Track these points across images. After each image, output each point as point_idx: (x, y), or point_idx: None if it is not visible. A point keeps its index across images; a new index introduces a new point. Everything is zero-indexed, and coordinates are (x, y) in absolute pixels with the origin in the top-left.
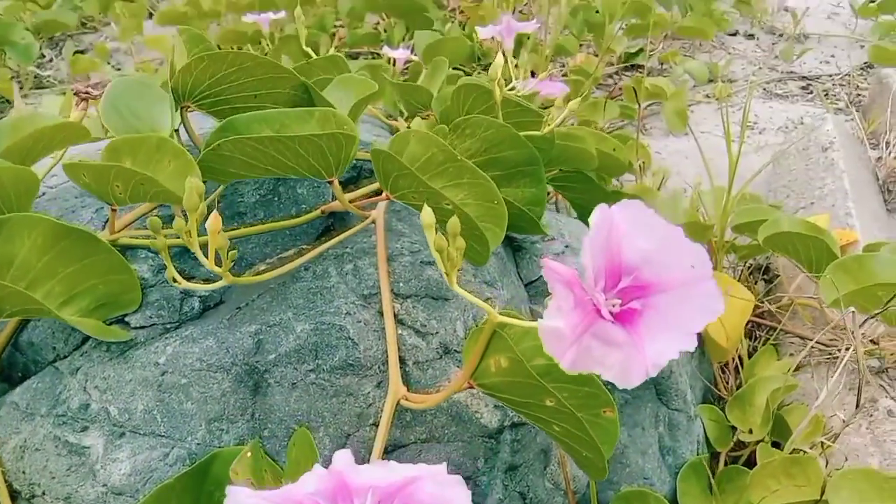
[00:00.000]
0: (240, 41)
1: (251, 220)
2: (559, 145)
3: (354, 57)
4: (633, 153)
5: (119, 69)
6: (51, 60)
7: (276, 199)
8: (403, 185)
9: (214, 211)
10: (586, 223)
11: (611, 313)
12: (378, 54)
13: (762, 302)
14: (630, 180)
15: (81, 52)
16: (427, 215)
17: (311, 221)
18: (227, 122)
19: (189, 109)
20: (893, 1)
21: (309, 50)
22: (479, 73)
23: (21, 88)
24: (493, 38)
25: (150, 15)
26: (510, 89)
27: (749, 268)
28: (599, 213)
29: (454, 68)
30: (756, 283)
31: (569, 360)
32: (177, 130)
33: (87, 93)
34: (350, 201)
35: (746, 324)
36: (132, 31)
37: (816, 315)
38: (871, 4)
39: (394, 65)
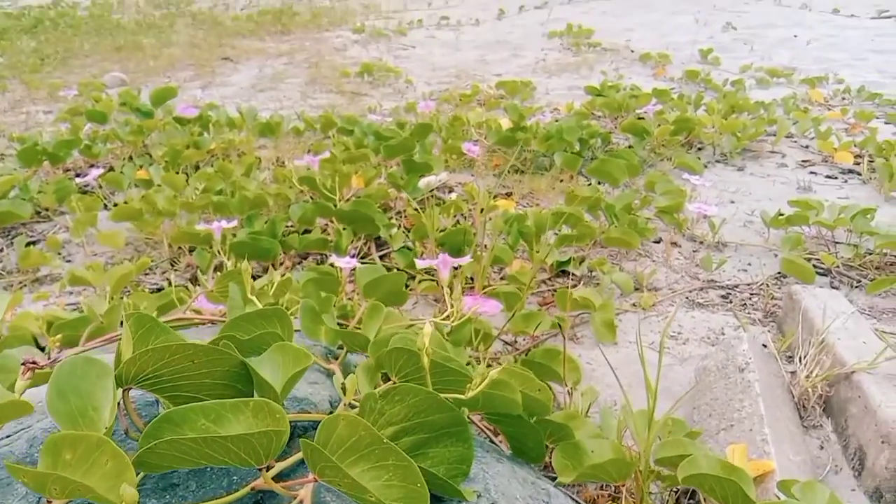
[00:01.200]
0: (192, 241)
1: (183, 491)
2: (486, 393)
3: (304, 256)
4: (560, 367)
5: (70, 261)
6: (1, 250)
7: (208, 468)
8: (331, 473)
9: None
10: (519, 453)
11: None
12: (326, 255)
13: None
14: (561, 392)
15: (33, 242)
16: None
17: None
18: (165, 416)
19: (131, 389)
20: (799, 215)
21: (254, 298)
22: (421, 276)
23: None
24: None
25: (106, 206)
26: (445, 318)
27: (675, 492)
28: None
29: (399, 272)
30: None
31: None
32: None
33: (34, 363)
34: (278, 475)
35: None
36: (86, 224)
37: None
38: (780, 217)
39: (340, 273)
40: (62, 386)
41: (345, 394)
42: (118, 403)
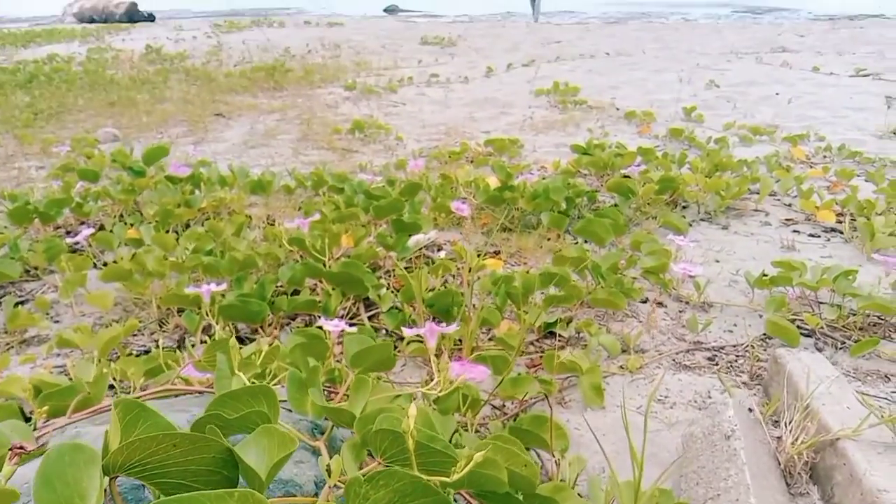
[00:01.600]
0: (181, 303)
1: None
2: (472, 472)
3: (293, 317)
4: (548, 433)
5: (58, 321)
6: None
7: None
8: None
9: None
10: None
11: None
12: (315, 316)
13: None
14: (549, 460)
15: (22, 301)
16: None
17: None
18: None
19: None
20: (783, 276)
21: (241, 375)
22: (409, 338)
23: None
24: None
25: (95, 266)
26: (432, 386)
27: None
28: None
29: (387, 333)
30: None
31: None
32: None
33: (21, 448)
34: None
35: None
36: (75, 284)
37: None
38: (765, 278)
39: (328, 336)
40: (49, 473)
41: (329, 475)
42: (105, 490)
